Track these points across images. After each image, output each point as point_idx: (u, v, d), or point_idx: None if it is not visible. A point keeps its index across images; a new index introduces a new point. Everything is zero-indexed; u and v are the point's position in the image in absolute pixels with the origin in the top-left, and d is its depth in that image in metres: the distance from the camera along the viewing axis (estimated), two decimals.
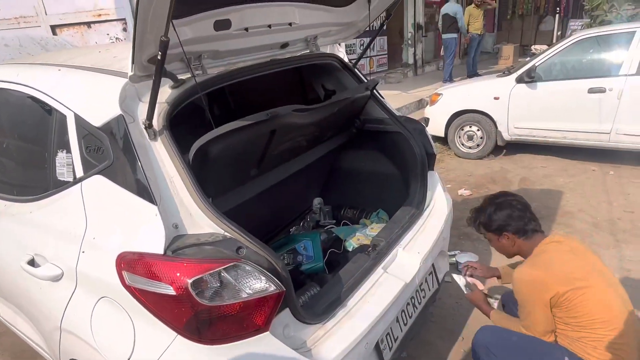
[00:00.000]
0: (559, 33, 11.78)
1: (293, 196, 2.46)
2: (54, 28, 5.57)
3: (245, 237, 1.23)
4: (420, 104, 7.40)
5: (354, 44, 8.85)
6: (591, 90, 4.39)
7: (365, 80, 2.16)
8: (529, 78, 4.72)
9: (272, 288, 1.24)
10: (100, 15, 5.77)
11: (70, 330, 1.42)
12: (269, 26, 1.69)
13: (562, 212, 3.75)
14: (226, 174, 1.62)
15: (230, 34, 1.56)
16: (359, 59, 2.29)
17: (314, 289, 1.68)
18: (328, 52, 2.19)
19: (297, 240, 2.14)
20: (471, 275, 2.09)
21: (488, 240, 1.89)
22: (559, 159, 5.01)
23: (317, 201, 2.66)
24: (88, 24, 5.78)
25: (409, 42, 10.54)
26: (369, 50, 9.32)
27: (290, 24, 1.78)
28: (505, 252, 1.86)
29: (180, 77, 1.42)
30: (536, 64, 4.75)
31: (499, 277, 2.08)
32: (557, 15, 12.43)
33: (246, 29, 1.59)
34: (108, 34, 5.91)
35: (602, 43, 4.50)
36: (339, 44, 2.33)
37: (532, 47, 8.35)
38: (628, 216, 3.57)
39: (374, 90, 2.24)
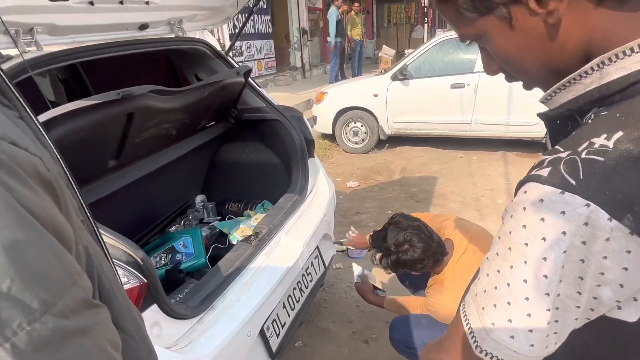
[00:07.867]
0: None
1: (168, 192, 2.29)
2: None
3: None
4: (309, 104, 7.57)
5: (240, 45, 8.75)
6: (453, 86, 4.92)
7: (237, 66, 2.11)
8: (402, 75, 5.12)
9: (133, 281, 1.12)
10: None
11: None
12: (121, 2, 1.54)
13: (437, 194, 4.13)
14: (73, 164, 1.42)
15: (71, 6, 1.38)
16: (232, 45, 2.23)
17: (191, 284, 1.56)
18: (197, 37, 2.09)
19: (176, 238, 1.99)
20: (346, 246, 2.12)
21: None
22: (433, 148, 5.51)
23: (199, 198, 2.52)
24: None
25: (296, 46, 10.77)
26: (256, 52, 9.28)
27: (147, 3, 1.64)
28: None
29: (5, 52, 1.22)
30: (407, 63, 5.18)
31: (380, 306, 1.97)
32: (425, 24, 13.90)
33: (91, 3, 1.43)
34: None
35: (459, 44, 5.07)
36: (210, 31, 2.24)
37: (406, 51, 9.19)
38: (489, 194, 4.06)
39: (249, 79, 2.19)
